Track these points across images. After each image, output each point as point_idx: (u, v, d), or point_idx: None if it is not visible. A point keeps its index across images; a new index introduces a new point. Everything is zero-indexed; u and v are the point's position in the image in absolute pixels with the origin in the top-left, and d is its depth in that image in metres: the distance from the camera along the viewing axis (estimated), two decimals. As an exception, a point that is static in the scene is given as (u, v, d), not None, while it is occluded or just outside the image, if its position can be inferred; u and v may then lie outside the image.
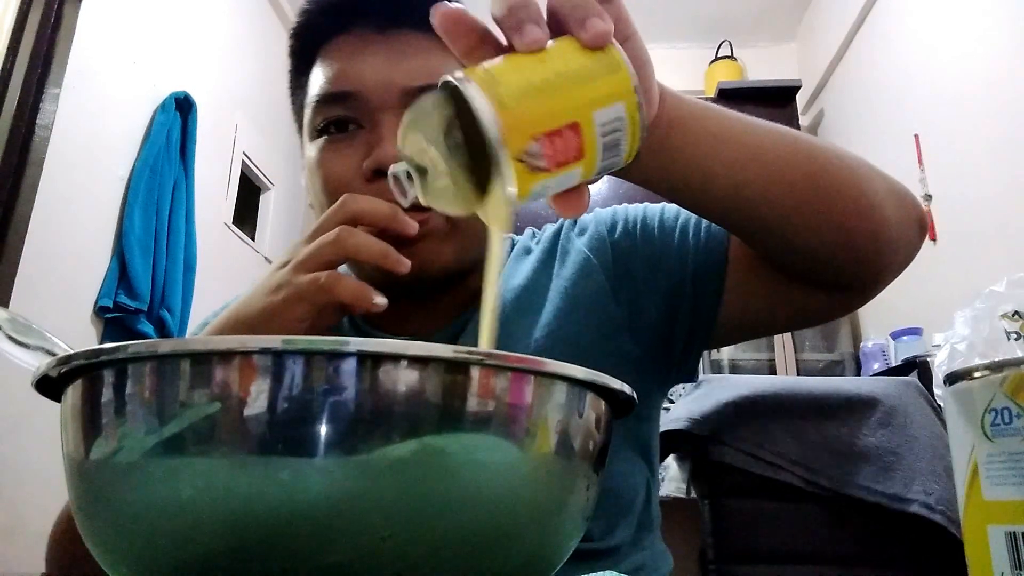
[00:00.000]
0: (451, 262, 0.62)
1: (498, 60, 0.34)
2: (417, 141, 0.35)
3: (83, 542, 0.30)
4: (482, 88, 0.32)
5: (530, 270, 0.69)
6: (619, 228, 0.68)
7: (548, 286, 0.67)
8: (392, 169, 0.37)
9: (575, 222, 0.72)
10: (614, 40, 0.36)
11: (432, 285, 0.64)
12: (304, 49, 0.67)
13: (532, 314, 0.65)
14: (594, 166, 0.35)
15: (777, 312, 0.62)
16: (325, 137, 0.63)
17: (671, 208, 0.67)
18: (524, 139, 0.32)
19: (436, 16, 0.37)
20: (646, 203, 0.69)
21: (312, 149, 0.64)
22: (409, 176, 0.36)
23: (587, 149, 0.34)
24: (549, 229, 0.74)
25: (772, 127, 0.50)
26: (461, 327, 0.66)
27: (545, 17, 0.36)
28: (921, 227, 0.58)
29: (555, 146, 0.32)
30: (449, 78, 0.33)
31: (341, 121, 0.62)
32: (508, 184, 0.32)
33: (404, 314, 0.66)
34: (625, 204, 0.71)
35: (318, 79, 0.64)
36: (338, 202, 0.52)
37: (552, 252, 0.70)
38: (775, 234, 0.52)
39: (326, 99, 0.62)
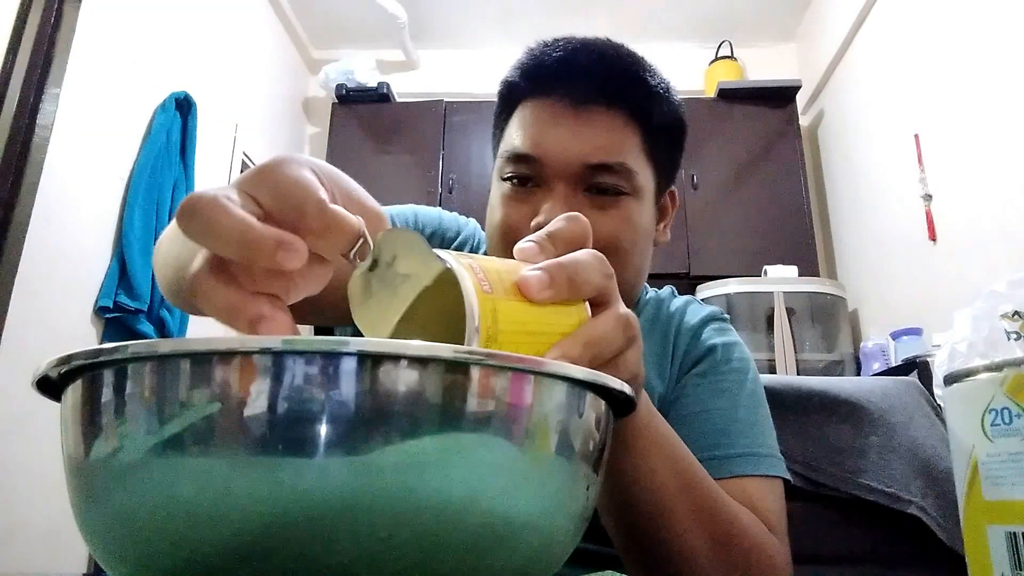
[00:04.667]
0: None
1: (507, 298, 0.33)
2: (398, 255, 0.34)
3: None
4: (479, 343, 0.32)
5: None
6: (694, 374, 0.75)
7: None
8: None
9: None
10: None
11: None
12: (509, 99, 0.75)
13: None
14: None
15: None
16: (510, 185, 0.71)
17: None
18: None
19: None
20: (733, 384, 0.75)
21: (497, 190, 0.73)
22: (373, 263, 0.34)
23: None
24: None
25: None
26: None
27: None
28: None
29: None
30: (470, 316, 0.31)
31: (524, 177, 0.70)
32: None
33: None
34: (730, 362, 0.76)
35: (512, 135, 0.72)
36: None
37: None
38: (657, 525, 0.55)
39: (514, 157, 0.71)
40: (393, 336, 0.35)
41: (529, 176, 0.70)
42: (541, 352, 0.34)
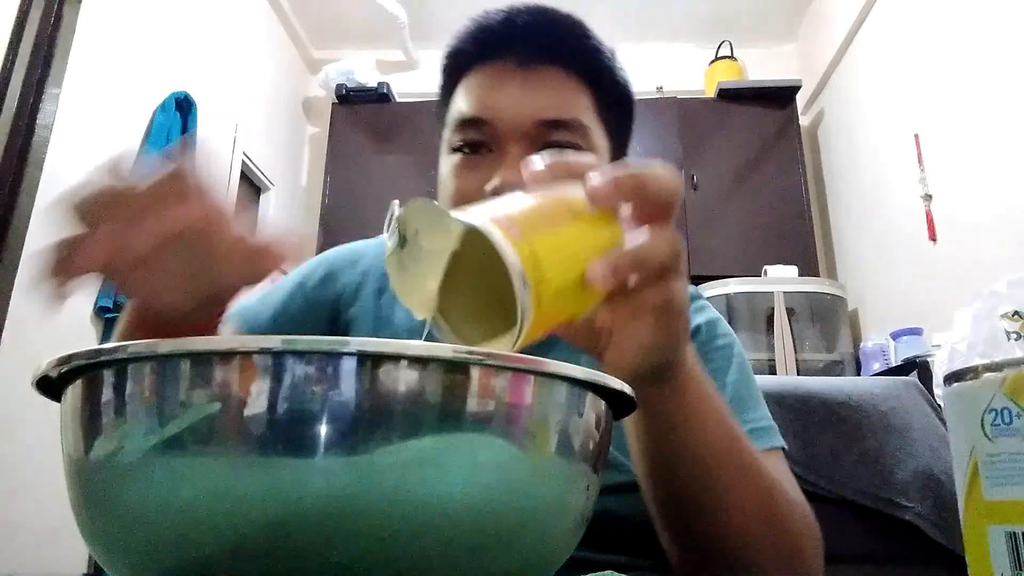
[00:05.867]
0: None
1: (538, 233, 0.33)
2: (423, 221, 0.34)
3: None
4: (530, 290, 0.31)
5: None
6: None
7: None
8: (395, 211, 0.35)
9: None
10: None
11: None
12: (452, 70, 0.72)
13: None
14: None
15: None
16: (460, 155, 0.69)
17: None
18: (539, 332, 0.34)
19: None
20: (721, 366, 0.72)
21: (447, 163, 0.70)
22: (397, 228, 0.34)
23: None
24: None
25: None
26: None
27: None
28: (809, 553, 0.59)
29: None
30: (513, 270, 0.31)
31: (474, 144, 0.67)
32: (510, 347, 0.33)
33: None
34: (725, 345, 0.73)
35: (459, 102, 0.69)
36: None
37: None
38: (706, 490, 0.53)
39: (463, 123, 0.68)
40: (441, 308, 0.35)
41: (480, 142, 0.67)
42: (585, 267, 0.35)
